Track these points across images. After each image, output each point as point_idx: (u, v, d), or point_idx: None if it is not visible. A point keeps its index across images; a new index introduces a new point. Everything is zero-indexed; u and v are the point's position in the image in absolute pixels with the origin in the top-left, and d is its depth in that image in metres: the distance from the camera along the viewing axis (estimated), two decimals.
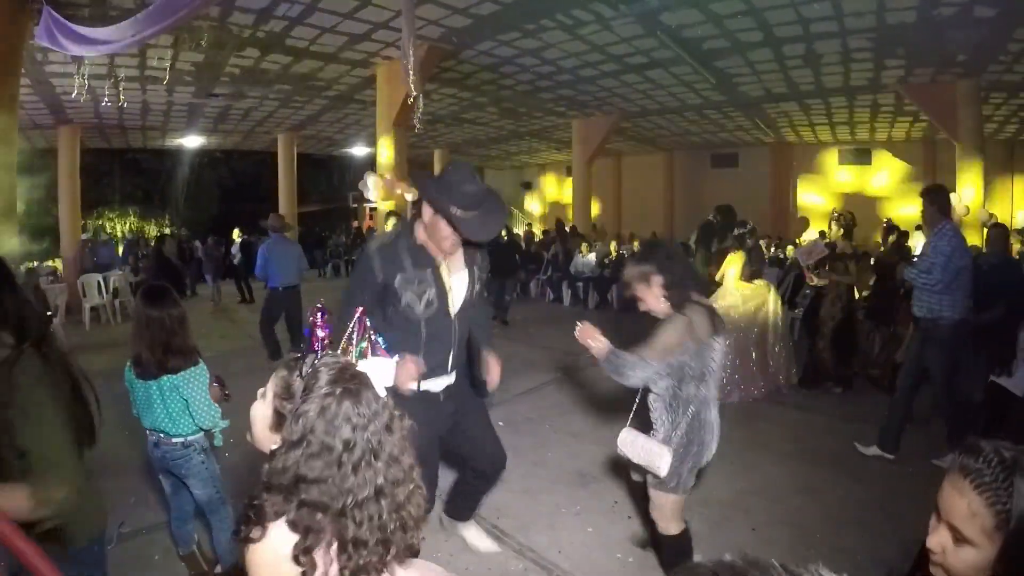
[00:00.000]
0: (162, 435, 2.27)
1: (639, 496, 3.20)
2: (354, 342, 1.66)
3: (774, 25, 6.98)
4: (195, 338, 2.32)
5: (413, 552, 0.88)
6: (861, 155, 14.86)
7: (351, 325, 1.66)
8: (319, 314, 1.32)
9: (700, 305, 2.18)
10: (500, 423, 4.45)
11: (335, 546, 0.81)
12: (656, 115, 12.45)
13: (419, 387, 2.09)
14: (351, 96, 10.55)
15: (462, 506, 2.72)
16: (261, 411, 0.97)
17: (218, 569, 2.47)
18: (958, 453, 0.91)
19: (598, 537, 2.87)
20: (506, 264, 8.84)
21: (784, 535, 2.82)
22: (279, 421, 0.92)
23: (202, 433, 2.32)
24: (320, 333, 1.30)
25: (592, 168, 13.44)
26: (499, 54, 8.36)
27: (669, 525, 2.25)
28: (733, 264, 5.20)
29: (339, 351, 1.45)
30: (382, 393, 0.91)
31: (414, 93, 5.01)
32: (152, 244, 13.02)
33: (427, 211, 2.10)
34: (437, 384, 2.26)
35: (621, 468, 3.51)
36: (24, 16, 5.41)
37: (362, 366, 0.95)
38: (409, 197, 9.11)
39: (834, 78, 9.11)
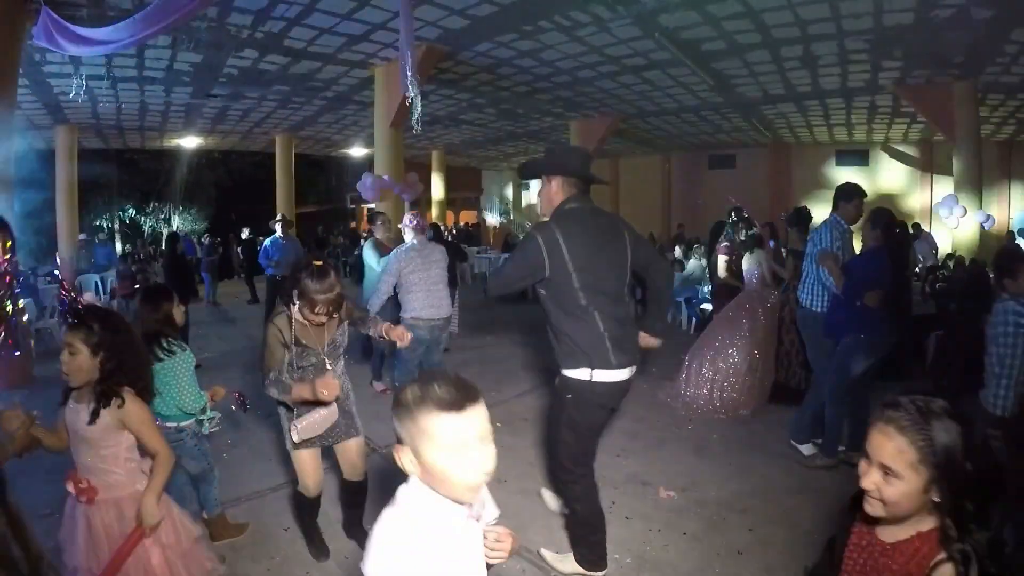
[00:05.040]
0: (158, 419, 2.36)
1: (636, 496, 3.21)
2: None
3: (772, 27, 7.00)
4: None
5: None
6: (859, 157, 14.91)
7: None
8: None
9: None
10: (498, 424, 4.45)
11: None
12: (654, 116, 12.48)
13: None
14: (349, 97, 10.56)
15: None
16: None
17: (204, 515, 2.73)
18: (881, 406, 1.11)
19: None
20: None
21: (781, 535, 2.82)
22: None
23: (192, 420, 2.57)
24: None
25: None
26: (497, 55, 8.38)
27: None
28: (756, 262, 4.94)
29: None
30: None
31: (411, 94, 5.00)
32: (148, 245, 12.97)
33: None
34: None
35: (618, 469, 3.51)
36: (22, 16, 5.41)
37: None
38: (406, 197, 9.11)
39: (831, 79, 9.14)
